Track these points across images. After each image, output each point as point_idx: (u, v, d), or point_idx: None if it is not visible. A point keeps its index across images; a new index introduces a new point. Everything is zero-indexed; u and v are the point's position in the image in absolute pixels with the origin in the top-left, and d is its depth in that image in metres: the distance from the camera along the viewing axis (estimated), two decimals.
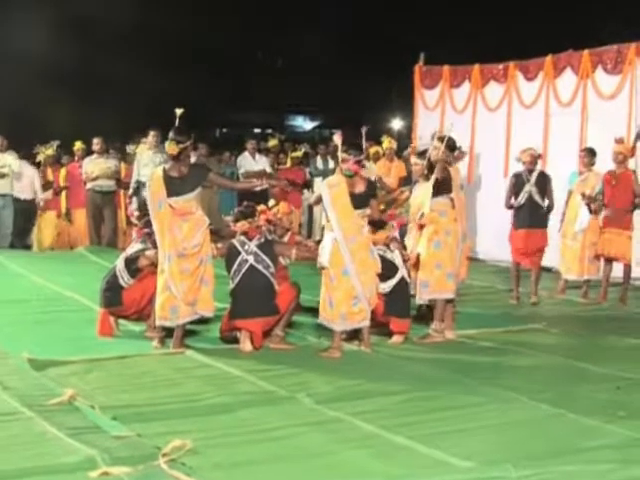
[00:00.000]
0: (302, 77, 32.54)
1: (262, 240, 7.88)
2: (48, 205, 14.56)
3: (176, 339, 7.66)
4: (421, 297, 8.42)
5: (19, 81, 23.74)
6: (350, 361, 7.49)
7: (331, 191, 7.67)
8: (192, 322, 7.86)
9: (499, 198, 12.73)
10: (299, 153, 15.84)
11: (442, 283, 8.34)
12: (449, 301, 8.48)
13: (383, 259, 8.07)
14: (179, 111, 7.91)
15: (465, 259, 8.93)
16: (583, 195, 10.63)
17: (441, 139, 8.51)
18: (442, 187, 8.41)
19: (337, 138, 7.93)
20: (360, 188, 7.75)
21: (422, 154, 8.72)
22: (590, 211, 10.67)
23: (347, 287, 7.65)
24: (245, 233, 7.90)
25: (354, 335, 7.97)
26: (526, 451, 5.19)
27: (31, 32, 24.46)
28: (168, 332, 7.75)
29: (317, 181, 14.59)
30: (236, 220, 7.97)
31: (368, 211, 7.80)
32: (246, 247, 7.82)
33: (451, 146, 8.55)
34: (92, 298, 9.19)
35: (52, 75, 24.45)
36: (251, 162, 15.24)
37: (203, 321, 8.09)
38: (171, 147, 7.57)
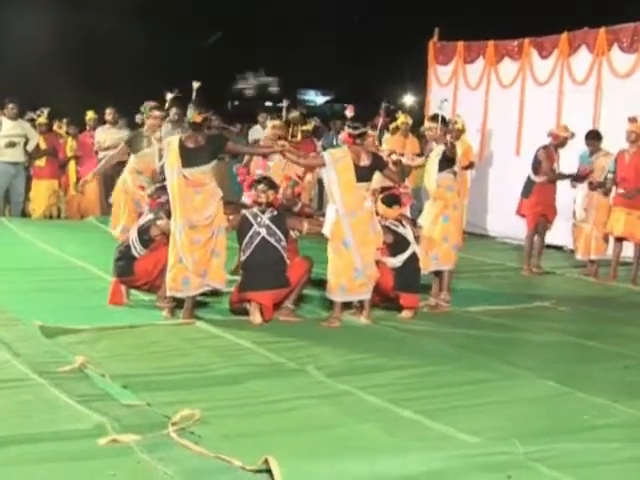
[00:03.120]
0: (314, 52, 32.39)
1: (275, 213, 7.89)
2: (42, 173, 14.46)
3: (186, 310, 7.69)
4: (427, 269, 8.58)
5: (26, 53, 23.62)
6: (359, 335, 7.52)
7: (336, 165, 7.72)
8: (203, 293, 7.89)
9: (511, 175, 12.78)
10: (309, 126, 15.77)
11: (448, 255, 8.71)
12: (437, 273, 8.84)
13: (395, 233, 8.12)
14: (196, 84, 7.96)
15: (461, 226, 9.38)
16: (591, 184, 10.66)
17: (434, 118, 8.78)
18: (446, 162, 8.65)
19: (349, 112, 8.04)
20: (364, 161, 7.83)
21: (435, 118, 8.79)
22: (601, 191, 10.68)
23: (347, 259, 7.73)
24: (271, 204, 7.91)
25: (360, 308, 8.03)
26: (533, 428, 5.21)
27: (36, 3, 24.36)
28: (178, 303, 7.78)
29: None
30: (263, 191, 7.96)
31: (372, 184, 7.98)
32: (258, 219, 7.83)
33: (445, 122, 8.78)
34: (102, 267, 9.24)
35: (60, 46, 24.30)
36: (262, 135, 15.19)
37: (213, 292, 8.11)
38: (195, 116, 7.59)
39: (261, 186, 7.93)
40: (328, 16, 31.70)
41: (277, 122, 10.15)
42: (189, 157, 7.53)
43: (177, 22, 28.61)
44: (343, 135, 7.95)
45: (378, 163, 8.02)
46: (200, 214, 7.54)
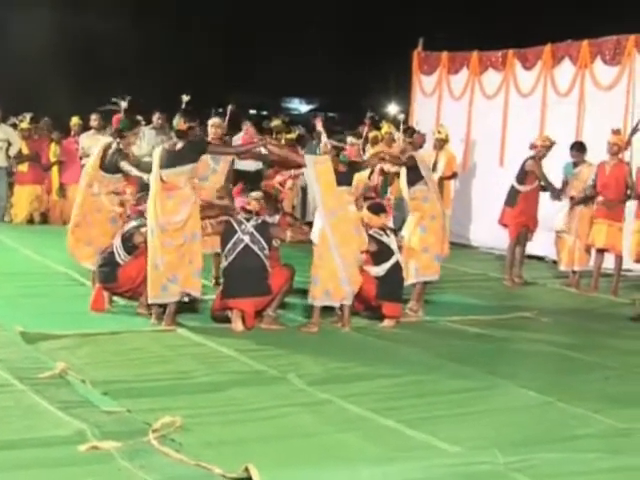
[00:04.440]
0: (299, 60, 32.44)
1: (259, 221, 7.90)
2: (24, 179, 14.45)
3: (168, 317, 7.67)
4: (408, 280, 8.62)
5: (19, 55, 23.54)
6: (341, 343, 7.52)
7: (317, 167, 7.86)
8: (182, 302, 7.85)
9: (494, 186, 12.80)
10: (293, 135, 15.78)
11: (429, 266, 8.74)
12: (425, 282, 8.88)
13: (379, 242, 8.15)
14: (185, 98, 7.99)
15: (446, 236, 9.28)
16: (572, 198, 10.70)
17: (406, 131, 9.11)
18: (414, 176, 8.73)
19: (318, 124, 8.15)
20: (342, 167, 8.00)
21: (407, 130, 8.92)
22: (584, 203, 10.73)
23: (332, 264, 7.76)
24: (257, 213, 7.93)
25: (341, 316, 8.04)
26: (514, 438, 5.22)
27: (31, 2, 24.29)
28: (164, 309, 7.75)
29: None
30: (256, 199, 7.99)
31: (353, 189, 8.11)
32: (243, 227, 7.83)
33: (410, 132, 8.88)
34: (84, 273, 9.20)
35: (54, 47, 24.24)
36: None
37: (194, 300, 8.08)
38: (180, 123, 7.64)
39: (255, 194, 7.97)
40: (313, 23, 31.80)
41: (216, 120, 10.05)
42: (167, 159, 7.61)
43: (175, 23, 28.59)
44: (349, 151, 8.06)
45: (356, 165, 8.25)
46: (169, 218, 7.53)
